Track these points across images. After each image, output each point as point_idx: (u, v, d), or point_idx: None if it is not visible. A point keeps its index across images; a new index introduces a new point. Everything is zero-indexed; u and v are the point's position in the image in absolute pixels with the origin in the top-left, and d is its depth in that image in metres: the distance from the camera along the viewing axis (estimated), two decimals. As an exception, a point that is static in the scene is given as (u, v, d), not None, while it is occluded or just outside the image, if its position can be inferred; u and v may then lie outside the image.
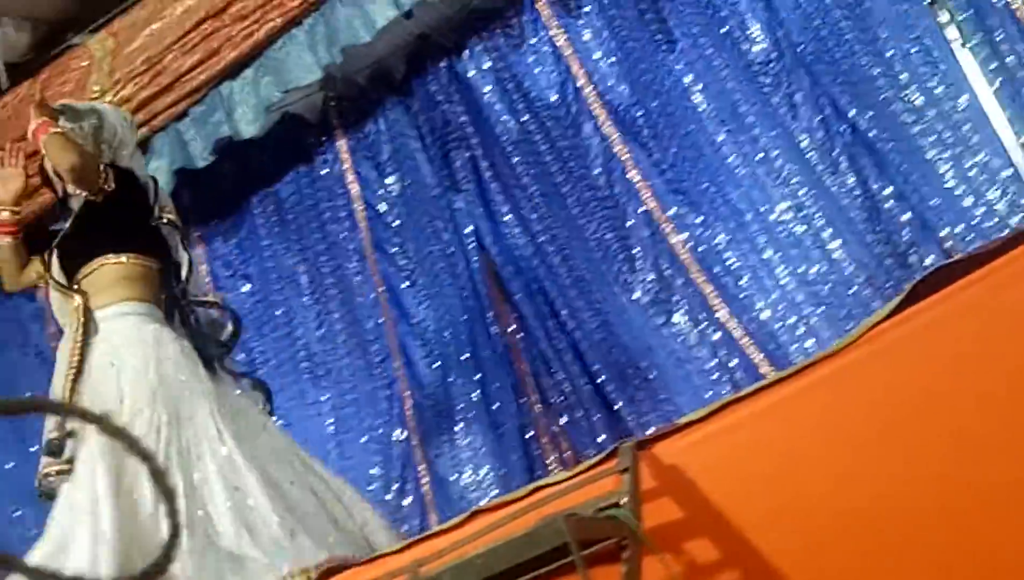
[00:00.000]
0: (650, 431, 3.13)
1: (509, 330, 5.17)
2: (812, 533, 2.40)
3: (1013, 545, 2.19)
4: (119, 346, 3.68)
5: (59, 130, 3.83)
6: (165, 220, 3.99)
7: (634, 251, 4.97)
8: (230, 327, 4.03)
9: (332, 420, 5.31)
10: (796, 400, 2.63)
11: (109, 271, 3.84)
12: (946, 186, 4.54)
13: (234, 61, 5.30)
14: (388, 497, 5.07)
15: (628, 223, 5.00)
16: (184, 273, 3.97)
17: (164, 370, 3.63)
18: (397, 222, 5.49)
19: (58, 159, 3.81)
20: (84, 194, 3.84)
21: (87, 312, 3.77)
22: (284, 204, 5.69)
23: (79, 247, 3.91)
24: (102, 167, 3.84)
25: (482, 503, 2.86)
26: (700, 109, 4.96)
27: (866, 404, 2.53)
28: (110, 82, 5.43)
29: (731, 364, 4.66)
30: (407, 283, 5.38)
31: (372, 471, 5.15)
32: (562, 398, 4.97)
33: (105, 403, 3.49)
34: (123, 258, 3.86)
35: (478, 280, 5.27)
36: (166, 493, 0.78)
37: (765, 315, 4.66)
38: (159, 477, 0.76)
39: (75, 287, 3.84)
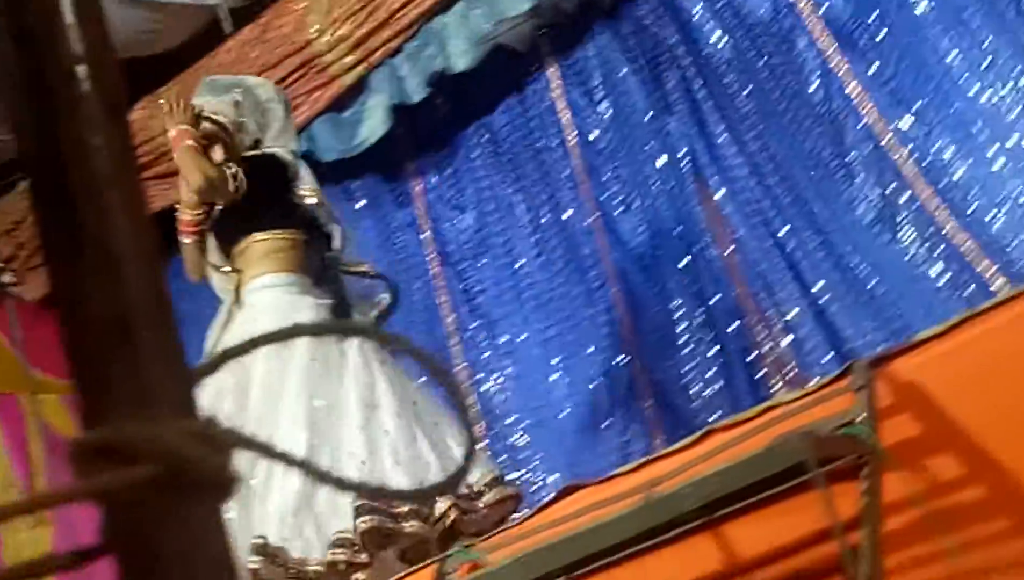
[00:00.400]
0: (880, 350, 3.06)
1: (727, 252, 5.13)
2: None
3: None
4: (257, 316, 3.87)
5: (192, 144, 3.98)
6: (304, 200, 4.12)
7: (855, 167, 4.86)
8: (387, 296, 4.18)
9: (554, 347, 5.38)
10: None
11: (257, 248, 4.05)
12: None
13: (445, -6, 5.37)
14: (612, 421, 5.13)
15: (848, 138, 4.88)
16: (337, 243, 4.11)
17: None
18: (609, 148, 5.49)
19: (188, 177, 3.98)
20: None
21: (238, 289, 3.98)
22: (498, 135, 5.74)
23: (230, 229, 4.12)
24: (231, 175, 3.99)
25: (713, 424, 2.85)
26: (921, 15, 4.78)
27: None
28: (328, 21, 5.58)
29: (962, 280, 4.52)
30: (622, 208, 5.38)
31: (596, 397, 5.21)
32: (784, 320, 4.92)
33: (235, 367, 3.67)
34: (267, 234, 4.05)
35: (693, 202, 5.24)
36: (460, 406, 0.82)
37: (996, 228, 4.50)
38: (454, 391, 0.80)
39: (229, 268, 4.03)
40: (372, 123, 5.65)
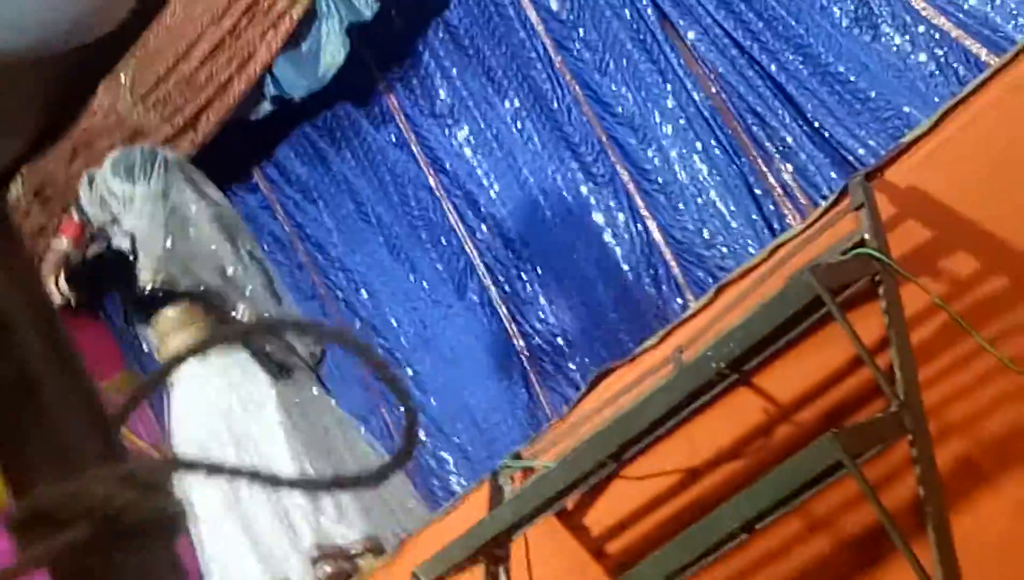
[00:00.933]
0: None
1: (714, 92, 5.02)
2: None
3: None
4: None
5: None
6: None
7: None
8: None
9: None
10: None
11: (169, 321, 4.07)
12: None
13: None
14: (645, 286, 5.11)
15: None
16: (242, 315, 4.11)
17: None
18: (572, 16, 5.36)
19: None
20: None
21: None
22: (458, 31, 5.63)
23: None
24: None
25: (724, 278, 2.80)
26: None
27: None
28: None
29: (952, 62, 4.40)
30: (598, 74, 5.27)
31: (623, 266, 5.19)
32: (783, 147, 4.83)
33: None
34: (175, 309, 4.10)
35: (668, 48, 5.11)
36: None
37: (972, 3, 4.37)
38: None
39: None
40: (332, 49, 5.54)
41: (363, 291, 5.95)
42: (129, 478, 0.72)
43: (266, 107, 5.78)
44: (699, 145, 5.04)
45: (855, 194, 2.53)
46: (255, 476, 0.79)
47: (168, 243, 3.91)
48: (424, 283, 5.74)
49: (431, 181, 5.73)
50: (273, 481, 0.79)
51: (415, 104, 5.75)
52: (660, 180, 5.14)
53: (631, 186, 5.20)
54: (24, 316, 0.73)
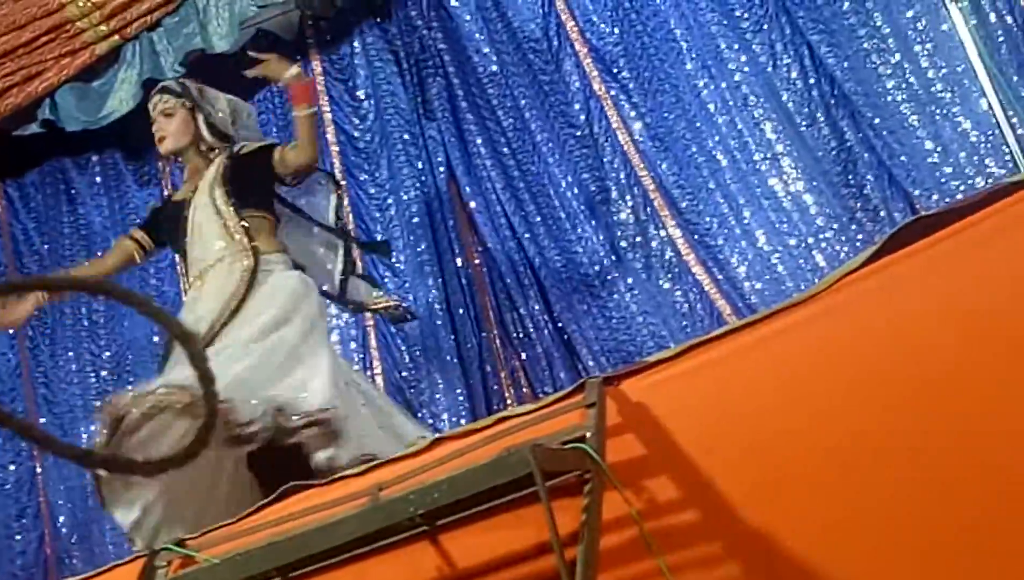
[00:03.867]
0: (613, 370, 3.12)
1: (476, 263, 5.15)
2: (773, 474, 2.41)
3: (980, 484, 2.21)
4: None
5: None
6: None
7: (611, 191, 4.95)
8: None
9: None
10: (765, 344, 2.63)
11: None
12: (918, 144, 4.55)
13: (212, -28, 5.20)
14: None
15: (605, 160, 4.98)
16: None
17: None
18: (368, 147, 5.43)
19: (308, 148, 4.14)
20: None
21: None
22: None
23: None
24: None
25: (446, 431, 2.84)
26: (682, 50, 4.92)
27: (833, 352, 2.54)
28: (85, -16, 5.33)
29: (699, 311, 4.68)
30: (377, 213, 5.33)
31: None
32: (522, 335, 4.97)
33: None
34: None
35: (447, 210, 5.23)
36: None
37: (735, 265, 4.68)
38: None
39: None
40: (122, 95, 5.42)
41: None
42: None
43: (33, 128, 5.59)
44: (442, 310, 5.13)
45: (589, 393, 2.62)
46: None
47: None
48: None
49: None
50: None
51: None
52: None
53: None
54: None
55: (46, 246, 5.79)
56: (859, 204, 4.62)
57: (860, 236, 4.53)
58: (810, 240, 4.62)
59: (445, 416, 4.94)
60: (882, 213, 4.55)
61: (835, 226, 4.59)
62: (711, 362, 2.68)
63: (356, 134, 5.44)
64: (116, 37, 5.36)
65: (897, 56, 4.63)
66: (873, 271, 2.57)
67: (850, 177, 4.61)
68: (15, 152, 5.79)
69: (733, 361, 2.65)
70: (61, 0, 5.37)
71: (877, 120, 4.56)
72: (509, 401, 4.81)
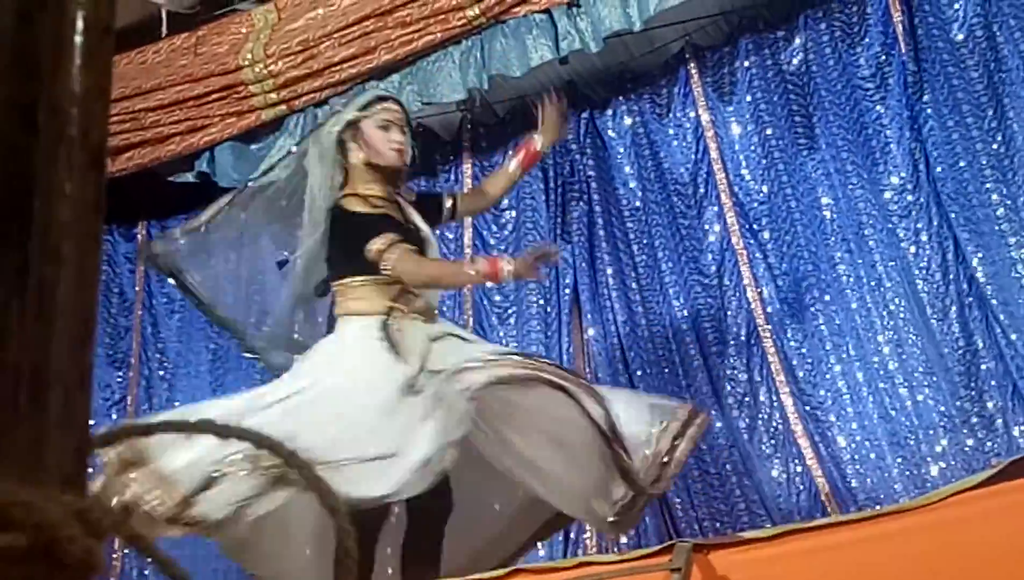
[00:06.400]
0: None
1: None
2: None
3: None
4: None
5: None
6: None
7: (729, 345, 4.97)
8: None
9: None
10: (866, 544, 2.63)
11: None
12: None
13: (386, 63, 5.36)
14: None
15: (728, 313, 5.01)
16: None
17: None
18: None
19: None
20: None
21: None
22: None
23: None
24: None
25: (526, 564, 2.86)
26: (826, 220, 4.95)
27: (936, 567, 2.52)
28: (263, 53, 5.52)
29: (796, 482, 4.66)
30: (497, 322, 5.40)
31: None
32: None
33: None
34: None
35: (564, 332, 5.29)
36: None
37: (841, 444, 4.65)
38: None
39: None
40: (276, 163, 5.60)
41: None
42: (81, 513, 0.72)
43: (188, 177, 5.78)
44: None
45: (677, 556, 2.64)
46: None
47: None
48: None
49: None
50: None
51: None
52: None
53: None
54: (77, 306, 0.75)
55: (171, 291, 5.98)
56: (976, 408, 4.55)
57: (970, 441, 4.47)
58: (919, 434, 4.57)
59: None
60: (998, 422, 4.48)
61: (946, 426, 4.53)
62: (805, 551, 2.68)
63: (492, 241, 5.54)
64: (283, 107, 5.54)
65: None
66: (992, 494, 2.56)
67: (972, 381, 4.56)
68: (164, 195, 6.01)
69: (830, 555, 2.65)
70: (239, 63, 5.57)
71: (1013, 333, 4.50)
72: (589, 541, 4.79)
